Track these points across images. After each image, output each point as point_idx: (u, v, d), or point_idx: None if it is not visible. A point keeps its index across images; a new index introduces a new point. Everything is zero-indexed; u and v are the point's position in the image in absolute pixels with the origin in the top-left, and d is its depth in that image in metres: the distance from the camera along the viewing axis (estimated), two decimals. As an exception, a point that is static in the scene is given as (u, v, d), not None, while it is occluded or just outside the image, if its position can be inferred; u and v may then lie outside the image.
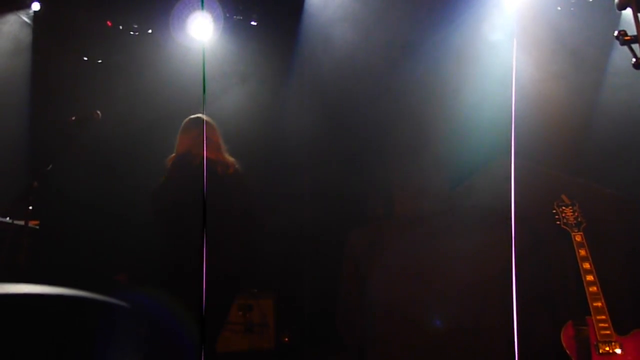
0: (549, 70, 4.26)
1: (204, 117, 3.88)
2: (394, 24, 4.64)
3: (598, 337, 3.21)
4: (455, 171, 4.44)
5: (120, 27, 5.34)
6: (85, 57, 5.41)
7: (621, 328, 3.25)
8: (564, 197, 3.75)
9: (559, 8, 4.50)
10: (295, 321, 5.20)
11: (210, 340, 3.63)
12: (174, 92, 4.97)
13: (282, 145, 5.27)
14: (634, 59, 1.91)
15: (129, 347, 1.95)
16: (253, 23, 5.34)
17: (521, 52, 4.05)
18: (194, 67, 4.85)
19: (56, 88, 5.20)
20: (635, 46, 1.90)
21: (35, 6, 5.07)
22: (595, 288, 3.32)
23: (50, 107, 5.07)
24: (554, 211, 3.65)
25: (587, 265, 3.40)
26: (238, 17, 5.28)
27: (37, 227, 4.03)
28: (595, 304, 3.28)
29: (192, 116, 3.92)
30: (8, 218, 3.74)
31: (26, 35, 5.18)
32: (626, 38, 1.92)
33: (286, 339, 5.08)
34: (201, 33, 4.93)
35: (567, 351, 3.25)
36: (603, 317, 3.24)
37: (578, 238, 3.50)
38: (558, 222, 3.60)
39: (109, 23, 5.30)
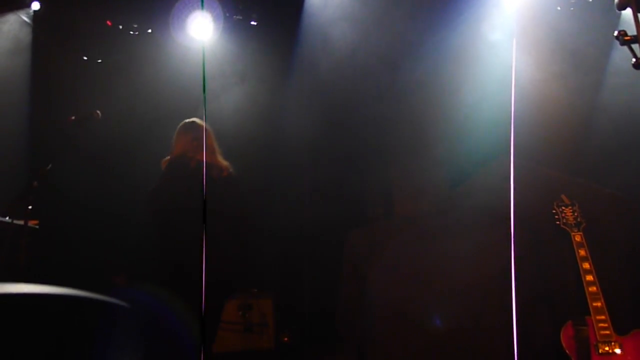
0: (549, 70, 4.26)
1: (199, 121, 3.93)
2: (393, 24, 4.64)
3: (598, 337, 3.21)
4: (455, 171, 4.43)
5: (120, 27, 5.34)
6: (85, 56, 5.41)
7: (621, 328, 3.25)
8: (563, 197, 3.75)
9: (558, 8, 4.50)
10: (295, 321, 5.20)
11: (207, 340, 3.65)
12: (173, 91, 4.97)
13: (281, 144, 5.27)
14: (633, 59, 1.91)
15: (128, 347, 1.95)
16: (253, 23, 5.34)
17: (521, 52, 4.04)
18: (193, 67, 4.85)
19: (56, 88, 5.20)
20: (635, 46, 1.91)
21: (35, 5, 5.07)
22: (594, 288, 3.32)
23: (50, 107, 5.07)
24: (554, 211, 3.65)
25: (586, 265, 3.40)
26: (238, 17, 5.28)
27: (37, 226, 4.03)
28: (594, 304, 3.28)
29: (187, 120, 3.99)
30: (8, 218, 3.74)
31: (26, 35, 5.18)
32: (626, 38, 1.92)
33: (286, 339, 5.08)
34: (201, 33, 4.93)
35: (567, 351, 3.25)
36: (603, 317, 3.24)
37: (578, 238, 3.50)
38: (558, 222, 3.60)
39: (108, 23, 5.30)
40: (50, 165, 3.56)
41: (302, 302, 5.28)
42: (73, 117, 3.65)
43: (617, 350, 3.17)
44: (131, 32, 5.36)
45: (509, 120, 3.32)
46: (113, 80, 5.18)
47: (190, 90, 4.72)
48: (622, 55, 3.79)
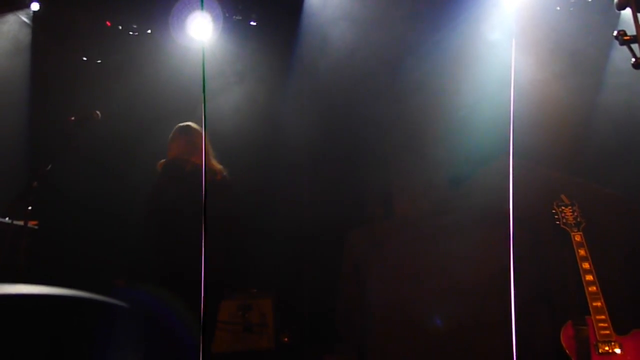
0: (548, 70, 4.26)
1: (194, 124, 3.99)
2: (393, 24, 4.64)
3: (597, 336, 3.21)
4: (454, 171, 4.43)
5: (120, 27, 5.34)
6: (85, 57, 5.41)
7: (620, 328, 3.25)
8: (563, 197, 3.75)
9: (558, 8, 4.50)
10: (295, 321, 5.20)
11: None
12: (173, 92, 4.97)
13: (281, 144, 5.27)
14: (633, 59, 1.91)
15: (128, 347, 1.95)
16: (252, 23, 5.34)
17: (520, 52, 4.04)
18: (193, 67, 4.85)
19: (55, 88, 5.20)
20: (634, 46, 1.90)
21: (35, 6, 5.06)
22: (594, 288, 3.32)
23: (50, 107, 5.07)
24: (554, 211, 3.65)
25: (586, 265, 3.40)
26: (237, 17, 5.28)
27: (36, 227, 4.03)
28: (594, 304, 3.28)
29: (182, 124, 4.03)
30: (7, 218, 3.73)
31: (25, 35, 5.17)
32: (625, 38, 1.92)
33: (285, 339, 5.08)
34: (200, 33, 4.93)
35: (567, 351, 3.25)
36: (602, 316, 3.24)
37: (577, 238, 3.50)
38: (557, 222, 3.61)
39: (108, 23, 5.30)
40: (50, 166, 3.56)
41: (301, 302, 5.28)
42: (73, 118, 3.65)
43: (617, 350, 3.17)
44: (131, 33, 5.36)
45: (509, 120, 3.31)
46: (113, 80, 5.18)
47: (190, 91, 4.72)
48: (621, 55, 3.79)
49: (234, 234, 3.96)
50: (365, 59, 4.71)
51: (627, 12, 1.92)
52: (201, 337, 2.99)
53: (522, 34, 4.13)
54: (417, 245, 4.18)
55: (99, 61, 5.43)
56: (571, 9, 4.49)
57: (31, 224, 3.77)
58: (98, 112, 3.70)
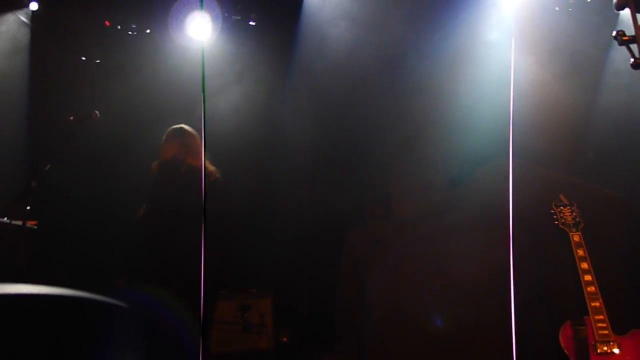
0: (547, 70, 4.26)
1: (187, 127, 4.04)
2: (392, 24, 4.64)
3: (596, 337, 3.21)
4: (454, 171, 4.43)
5: (119, 27, 5.33)
6: (84, 57, 5.41)
7: (619, 328, 3.26)
8: (562, 197, 3.75)
9: (557, 8, 4.50)
10: (294, 321, 5.19)
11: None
12: (172, 92, 4.97)
13: (280, 144, 5.26)
14: (632, 59, 1.91)
15: (128, 347, 1.95)
16: (251, 23, 5.34)
17: (519, 53, 4.04)
18: (192, 67, 4.85)
19: (54, 88, 5.19)
20: (633, 46, 1.90)
21: (33, 6, 5.06)
22: (593, 288, 3.32)
23: (49, 107, 5.06)
24: (552, 211, 3.65)
25: (585, 265, 3.40)
26: (236, 17, 5.28)
27: (35, 227, 4.03)
28: (593, 304, 3.28)
29: (175, 126, 4.07)
30: (6, 218, 3.73)
31: (24, 35, 5.17)
32: (624, 38, 1.92)
33: (285, 339, 5.08)
34: (200, 33, 4.93)
35: (566, 351, 3.25)
36: (601, 317, 3.25)
37: (576, 238, 3.51)
38: (556, 222, 3.61)
39: (107, 23, 5.29)
40: (48, 166, 3.56)
41: (301, 302, 5.28)
42: (71, 118, 3.65)
43: (616, 350, 3.18)
44: (130, 33, 5.35)
45: (508, 121, 3.31)
46: (112, 80, 5.18)
47: (189, 90, 4.72)
48: (620, 56, 3.80)
49: (227, 235, 3.98)
50: (365, 59, 4.71)
51: (626, 13, 1.92)
52: (201, 337, 3.00)
53: (521, 34, 4.13)
54: (417, 246, 4.18)
55: (98, 61, 5.43)
56: (570, 9, 4.50)
57: (30, 223, 3.77)
58: (97, 112, 3.70)
